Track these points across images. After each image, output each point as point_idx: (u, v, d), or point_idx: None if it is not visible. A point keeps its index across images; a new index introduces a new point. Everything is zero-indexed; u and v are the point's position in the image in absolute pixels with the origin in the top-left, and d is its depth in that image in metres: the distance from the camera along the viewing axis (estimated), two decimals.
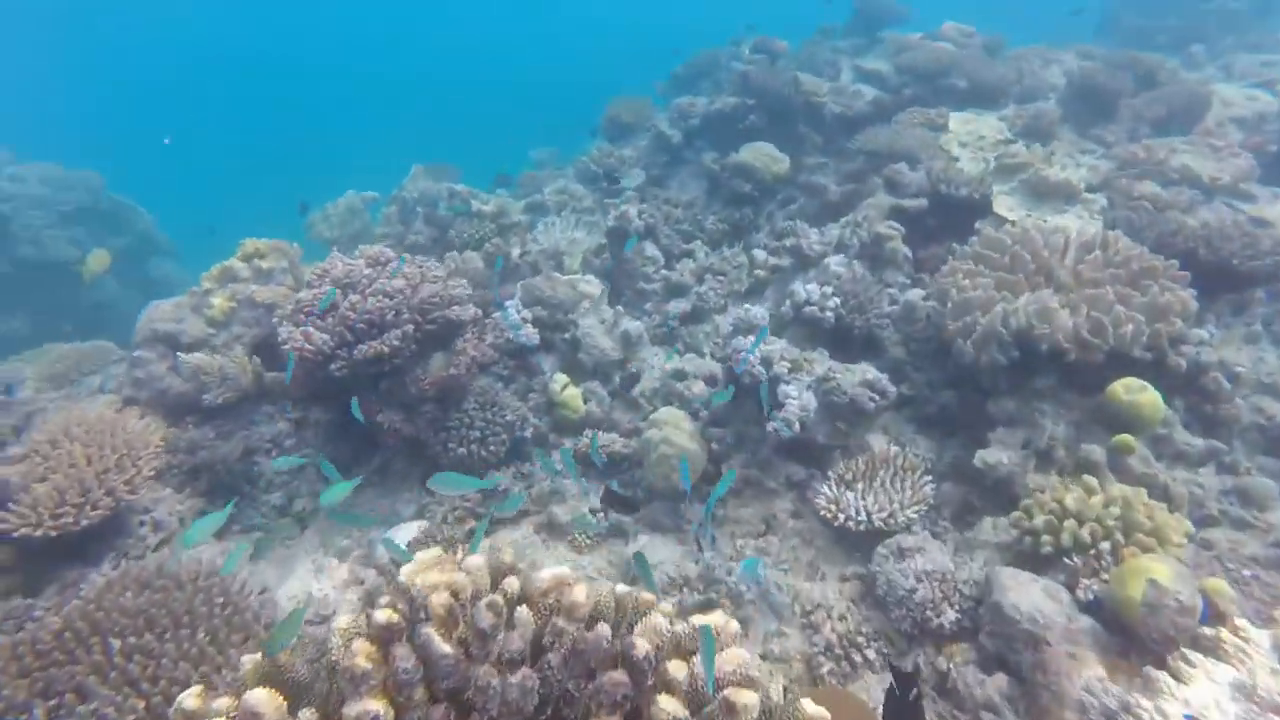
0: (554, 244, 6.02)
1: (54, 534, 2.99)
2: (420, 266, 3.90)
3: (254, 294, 4.30)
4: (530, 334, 4.51)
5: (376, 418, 3.72)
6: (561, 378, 4.45)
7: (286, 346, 3.34)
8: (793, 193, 6.17)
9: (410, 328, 3.52)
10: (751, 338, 3.91)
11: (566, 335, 4.70)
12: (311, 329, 3.35)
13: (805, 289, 4.17)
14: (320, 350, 3.32)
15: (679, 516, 3.77)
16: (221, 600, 2.72)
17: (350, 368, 3.39)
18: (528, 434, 4.23)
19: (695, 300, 5.02)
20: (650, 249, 5.16)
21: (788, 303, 4.26)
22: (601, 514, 3.84)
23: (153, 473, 3.46)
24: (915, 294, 4.17)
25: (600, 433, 4.23)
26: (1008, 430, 3.39)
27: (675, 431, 3.90)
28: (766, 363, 3.80)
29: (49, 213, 8.88)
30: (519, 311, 4.59)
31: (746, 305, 4.39)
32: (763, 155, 5.93)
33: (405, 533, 3.50)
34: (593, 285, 4.90)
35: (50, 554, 3.15)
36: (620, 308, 5.04)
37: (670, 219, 5.97)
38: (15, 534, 2.90)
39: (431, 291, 3.60)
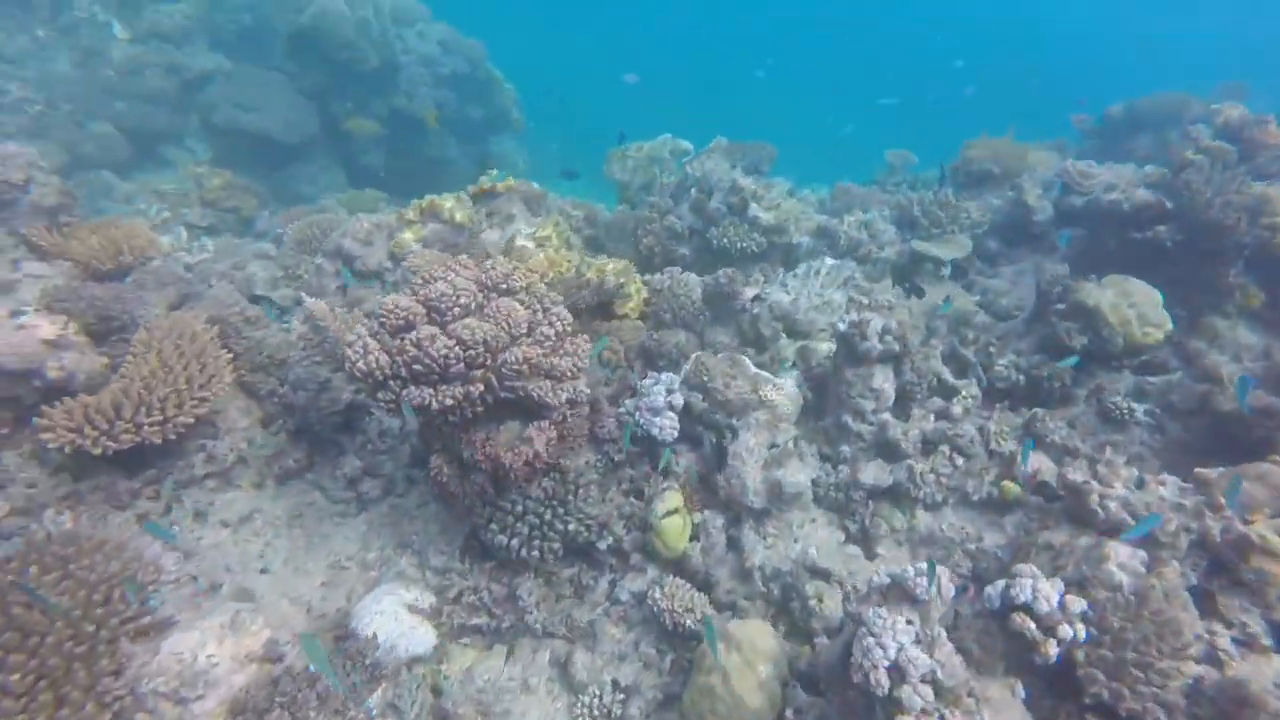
0: (797, 303, 4.77)
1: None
2: (539, 310, 3.09)
3: (415, 257, 3.91)
4: (666, 427, 3.52)
5: (430, 452, 3.16)
6: (674, 499, 3.43)
7: (349, 350, 2.86)
8: (1156, 372, 4.07)
9: (477, 389, 2.80)
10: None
11: (713, 441, 3.63)
12: (374, 344, 2.81)
13: (1069, 628, 2.48)
14: (371, 372, 2.78)
15: None
16: None
17: (395, 407, 2.82)
18: (602, 545, 3.36)
19: (903, 476, 3.53)
20: (881, 378, 3.69)
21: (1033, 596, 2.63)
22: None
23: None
24: None
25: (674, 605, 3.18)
26: None
27: (743, 670, 2.74)
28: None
29: (430, 72, 9.79)
30: (670, 392, 3.60)
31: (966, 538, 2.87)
32: (1126, 302, 3.91)
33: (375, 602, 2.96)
34: (782, 394, 3.67)
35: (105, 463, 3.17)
36: (802, 442, 3.74)
37: (957, 333, 4.33)
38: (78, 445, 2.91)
39: (522, 357, 2.81)
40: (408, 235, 4.26)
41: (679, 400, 3.55)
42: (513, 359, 2.81)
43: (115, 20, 9.07)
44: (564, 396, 2.97)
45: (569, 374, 3.00)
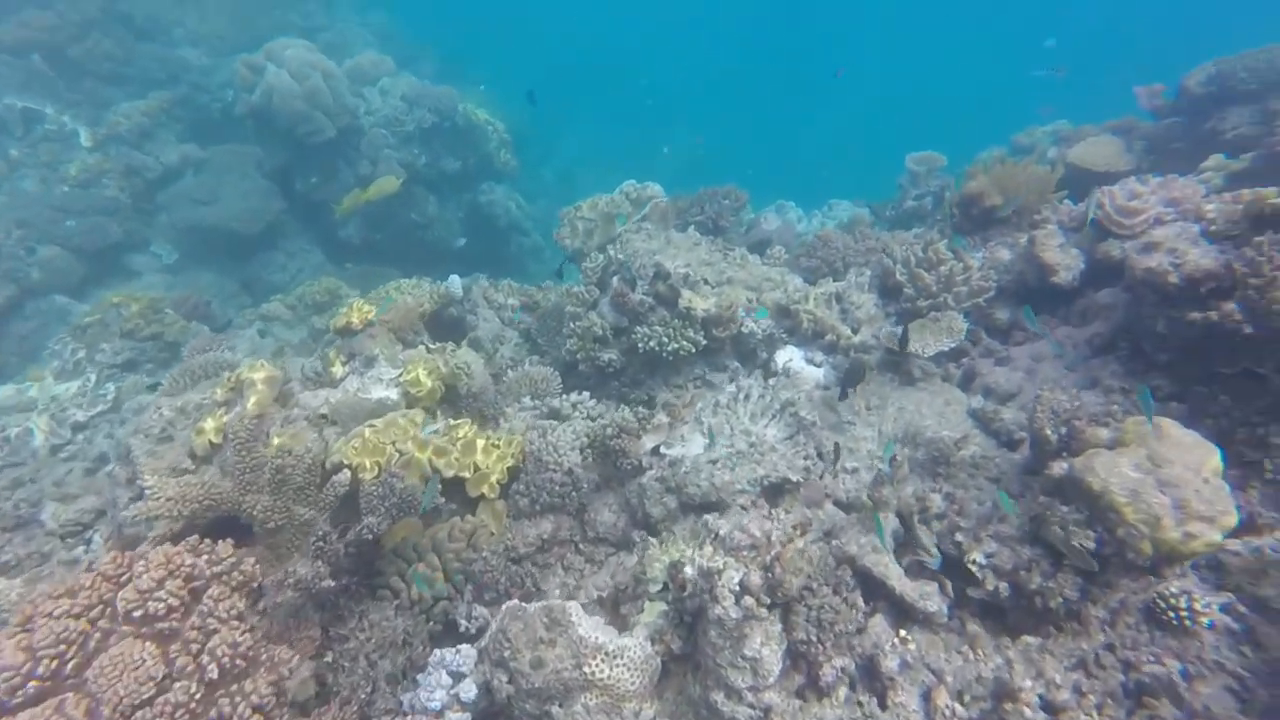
0: (707, 456, 3.60)
1: None
2: (196, 638, 2.15)
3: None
4: None
5: None
6: None
7: None
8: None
9: None
10: None
11: None
12: None
13: None
14: None
15: None
16: None
17: None
18: None
19: None
20: (759, 639, 2.48)
21: None
22: None
23: None
24: None
25: None
26: None
27: None
28: None
29: (394, 132, 9.09)
30: (456, 680, 2.58)
31: None
32: (1154, 479, 2.51)
33: None
34: (620, 665, 2.57)
35: None
36: None
37: (920, 503, 3.05)
38: None
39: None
40: (208, 429, 3.47)
41: (469, 693, 2.53)
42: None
43: (81, 128, 8.93)
44: None
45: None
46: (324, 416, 4.13)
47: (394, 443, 3.51)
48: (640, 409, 3.99)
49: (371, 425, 3.75)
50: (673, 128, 22.09)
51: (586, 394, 4.69)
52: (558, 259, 13.91)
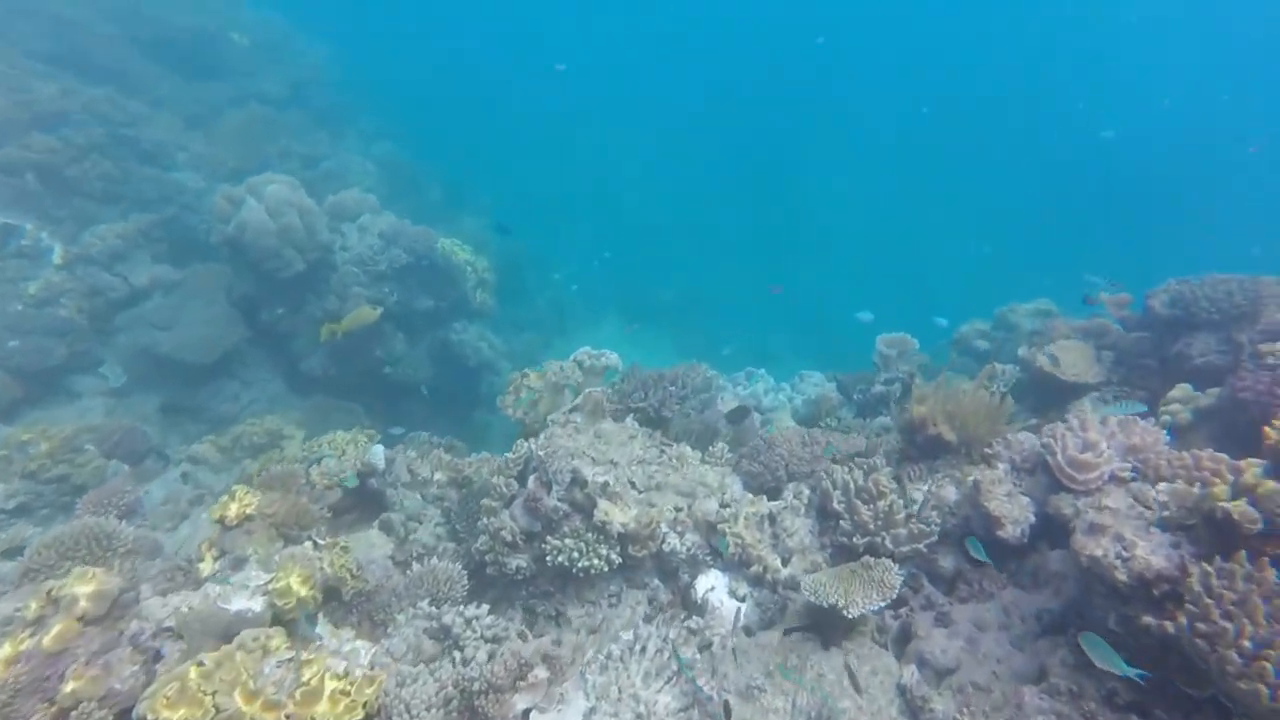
0: None
1: None
2: None
3: None
4: None
5: None
6: None
7: None
8: None
9: None
10: None
11: None
12: None
13: None
14: None
15: None
16: None
17: None
18: None
19: None
20: None
21: None
22: None
23: None
24: None
25: None
26: None
27: None
28: None
29: (365, 270, 9.06)
30: None
31: None
32: None
33: None
34: None
35: None
36: None
37: None
38: None
39: None
40: None
41: None
42: None
43: (57, 244, 8.93)
44: None
45: None
46: (170, 631, 3.64)
47: (215, 693, 2.99)
48: (520, 653, 3.47)
49: (200, 664, 3.22)
50: (672, 267, 22.52)
51: (486, 608, 4.20)
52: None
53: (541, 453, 4.60)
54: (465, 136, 22.49)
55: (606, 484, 4.35)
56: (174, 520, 5.96)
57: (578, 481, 4.37)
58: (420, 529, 5.27)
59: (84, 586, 3.26)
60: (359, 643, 4.19)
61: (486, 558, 4.54)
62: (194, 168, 11.40)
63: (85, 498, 5.64)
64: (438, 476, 5.62)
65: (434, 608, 4.21)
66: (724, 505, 4.57)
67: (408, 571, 4.70)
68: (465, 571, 4.63)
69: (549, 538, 4.32)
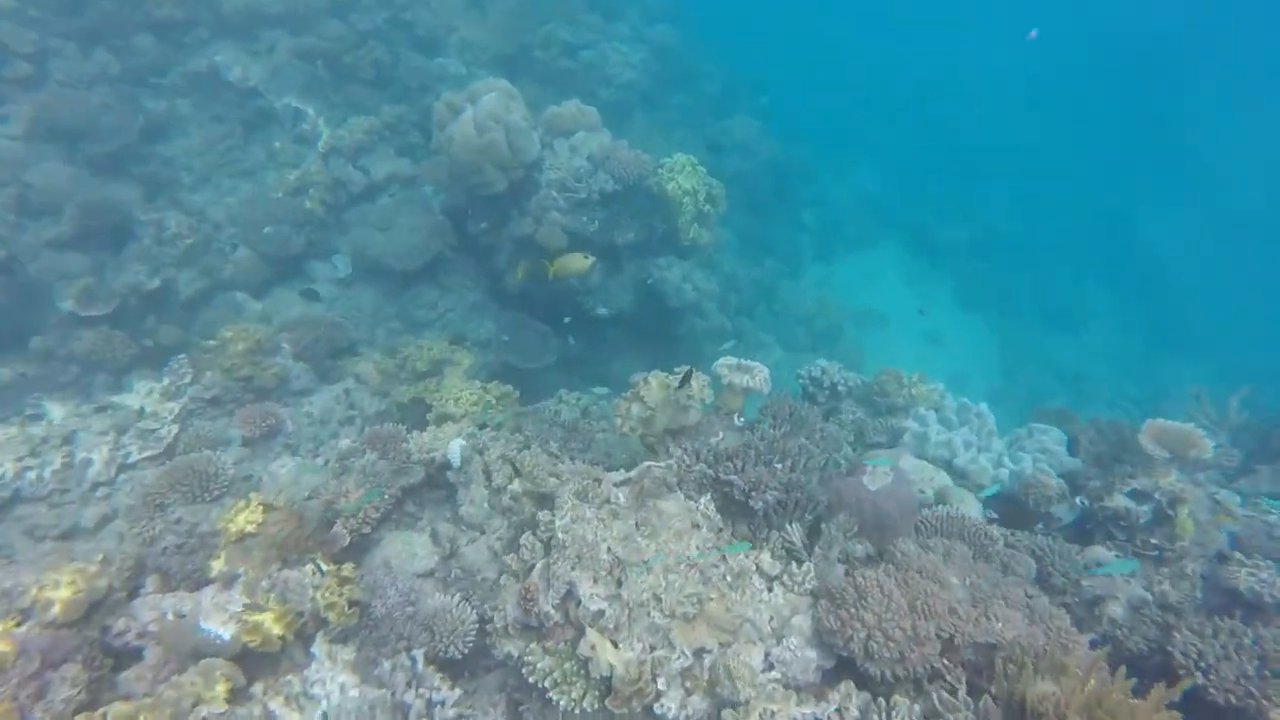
0: None
1: None
2: None
3: None
4: None
5: None
6: None
7: None
8: None
9: None
10: None
11: None
12: None
13: None
14: None
15: None
16: None
17: None
18: None
19: None
20: None
21: None
22: None
23: None
24: None
25: None
26: None
27: None
28: None
29: (565, 197, 8.49)
30: None
31: None
32: None
33: None
34: None
35: None
36: None
37: None
38: None
39: None
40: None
41: None
42: None
43: (326, 130, 9.78)
44: None
45: None
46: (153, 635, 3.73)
47: None
48: None
49: (140, 701, 3.20)
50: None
51: (457, 693, 3.73)
52: (743, 341, 12.38)
53: (563, 536, 3.76)
54: (757, 24, 20.11)
55: (602, 612, 3.41)
56: (314, 444, 6.40)
57: (572, 596, 3.50)
58: (475, 544, 4.87)
59: (60, 591, 3.38)
60: (345, 677, 3.99)
61: (486, 626, 3.99)
62: (459, 53, 11.58)
63: (240, 412, 6.22)
64: (513, 486, 5.11)
65: (418, 666, 3.84)
66: (766, 667, 3.40)
67: (430, 600, 4.37)
68: (476, 623, 4.15)
69: (533, 645, 3.59)
